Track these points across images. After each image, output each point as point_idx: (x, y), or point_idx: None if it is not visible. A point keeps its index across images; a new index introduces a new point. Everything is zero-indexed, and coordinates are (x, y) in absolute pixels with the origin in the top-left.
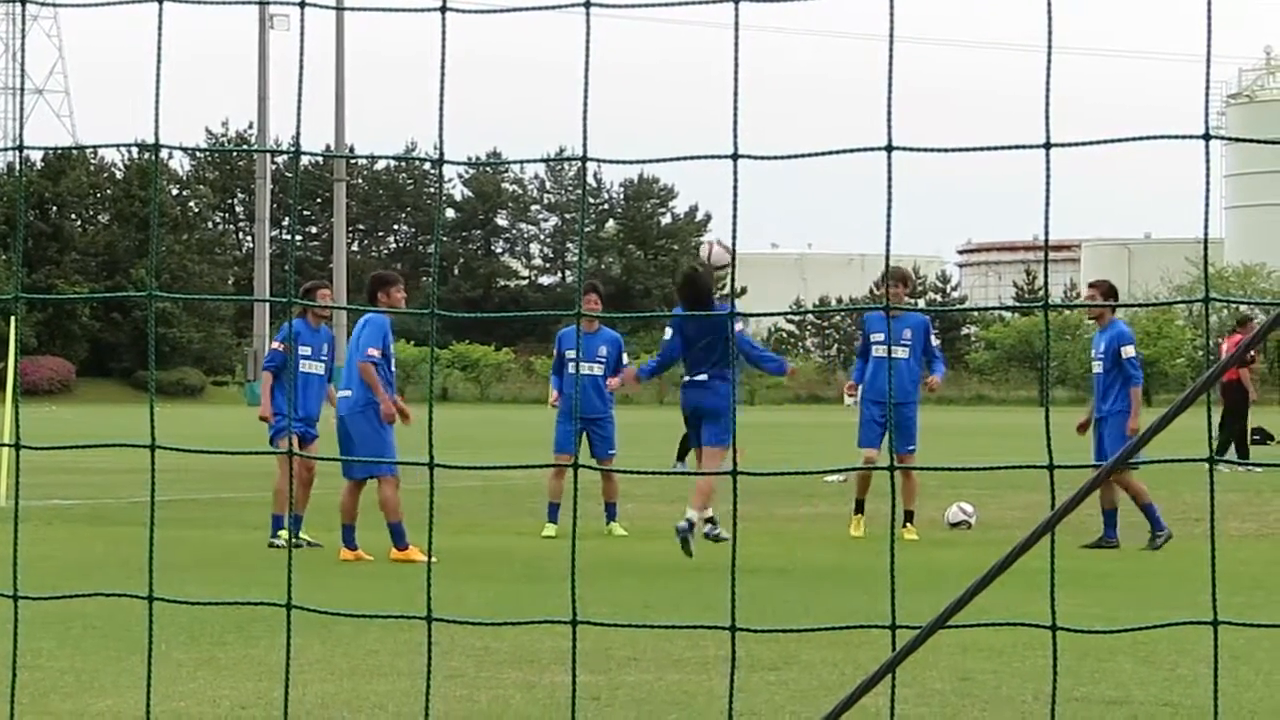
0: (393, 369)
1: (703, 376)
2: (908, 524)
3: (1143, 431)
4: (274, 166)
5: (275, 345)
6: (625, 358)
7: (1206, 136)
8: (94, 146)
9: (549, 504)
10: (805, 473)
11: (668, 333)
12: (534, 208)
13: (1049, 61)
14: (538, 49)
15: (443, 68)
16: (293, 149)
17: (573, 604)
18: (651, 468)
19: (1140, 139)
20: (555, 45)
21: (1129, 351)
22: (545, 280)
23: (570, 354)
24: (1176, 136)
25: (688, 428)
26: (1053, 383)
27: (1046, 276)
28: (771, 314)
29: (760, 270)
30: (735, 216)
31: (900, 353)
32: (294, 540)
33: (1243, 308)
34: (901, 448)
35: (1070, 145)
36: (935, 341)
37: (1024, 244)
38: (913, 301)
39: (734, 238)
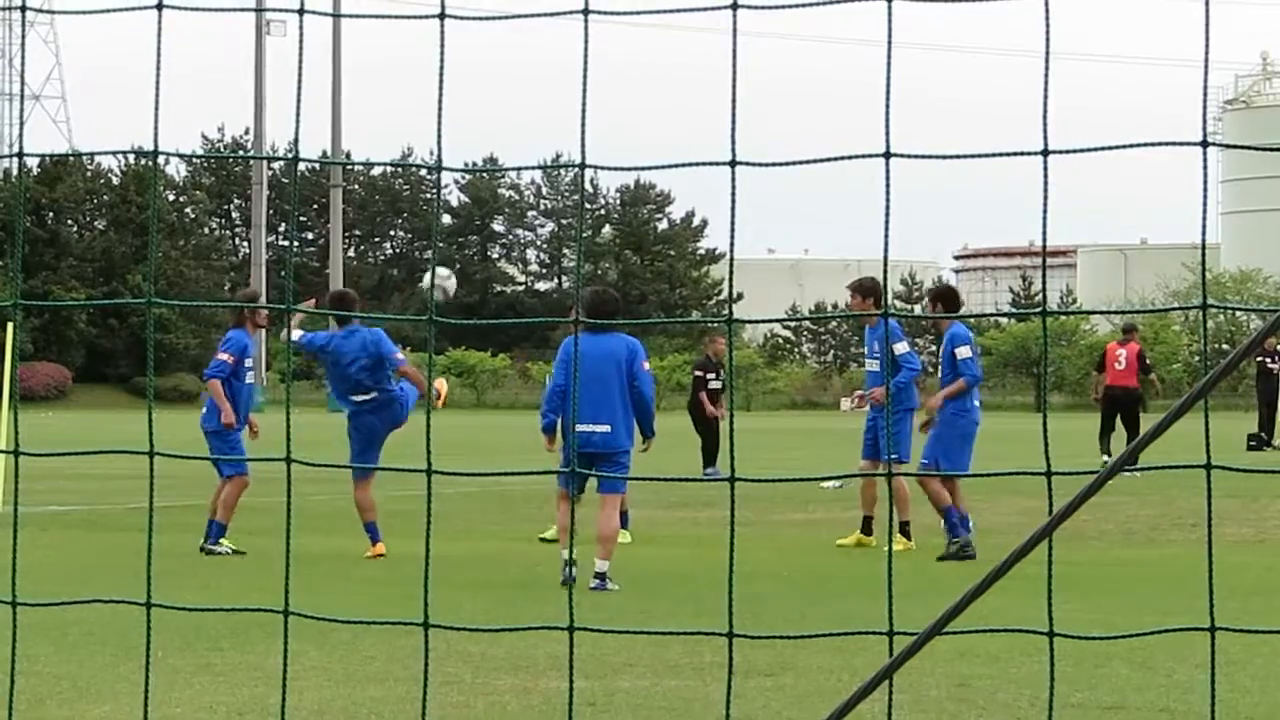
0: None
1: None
2: (899, 535)
3: (1142, 437)
4: (271, 172)
5: (224, 356)
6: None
7: (1204, 144)
8: (92, 154)
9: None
10: (802, 479)
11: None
12: (530, 213)
13: (1047, 68)
14: (534, 53)
15: (441, 75)
16: (290, 155)
17: (570, 610)
18: (647, 474)
19: (1137, 146)
20: (552, 49)
21: (964, 353)
22: (542, 286)
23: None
24: (1174, 144)
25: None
26: (1049, 388)
27: (1045, 283)
28: (768, 320)
29: (757, 275)
30: (733, 223)
31: (872, 365)
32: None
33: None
34: (883, 455)
35: (1068, 152)
36: (903, 348)
37: (1020, 249)
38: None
39: (731, 244)
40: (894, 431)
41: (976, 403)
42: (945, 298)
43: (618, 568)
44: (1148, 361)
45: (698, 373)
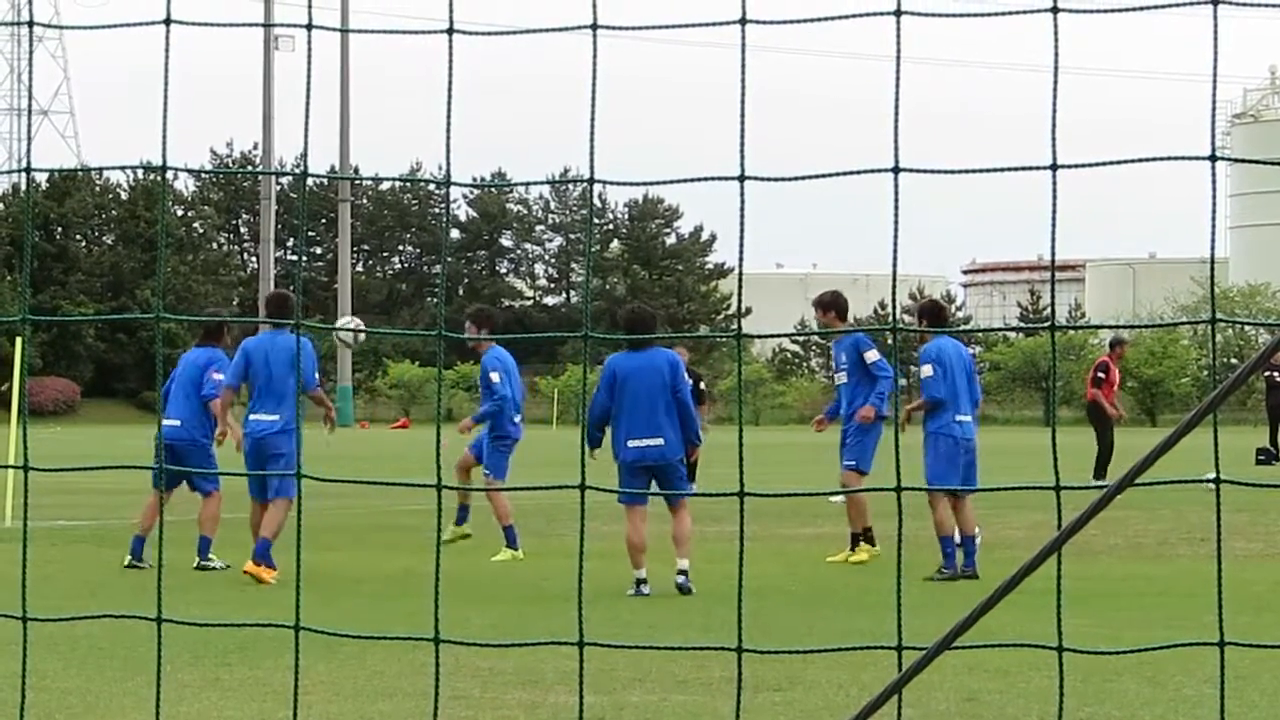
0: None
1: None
2: (860, 543)
3: (1151, 451)
4: (279, 187)
5: (220, 376)
6: (494, 376)
7: (1213, 158)
8: (100, 169)
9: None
10: (809, 494)
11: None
12: (538, 228)
13: (1055, 83)
14: (543, 68)
15: (449, 90)
16: (299, 170)
17: (579, 625)
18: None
19: (1146, 160)
20: (560, 64)
21: (872, 356)
22: (550, 301)
23: (494, 376)
24: (1182, 158)
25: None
26: (1058, 403)
27: (1054, 297)
28: (776, 335)
29: (765, 290)
30: (742, 238)
31: (840, 378)
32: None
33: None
34: (842, 463)
35: (1076, 166)
36: (875, 357)
37: (1028, 264)
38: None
39: (740, 258)
40: (860, 440)
41: (958, 418)
42: (930, 313)
43: (623, 583)
44: (1099, 375)
45: None
